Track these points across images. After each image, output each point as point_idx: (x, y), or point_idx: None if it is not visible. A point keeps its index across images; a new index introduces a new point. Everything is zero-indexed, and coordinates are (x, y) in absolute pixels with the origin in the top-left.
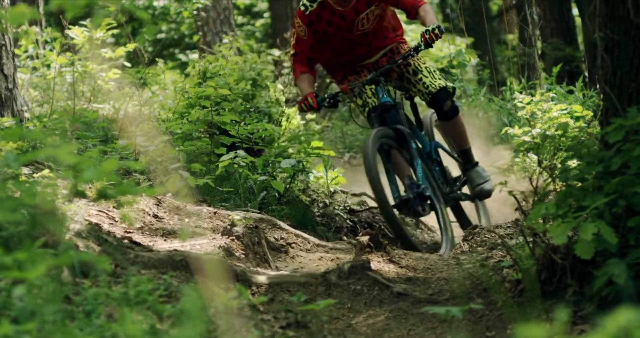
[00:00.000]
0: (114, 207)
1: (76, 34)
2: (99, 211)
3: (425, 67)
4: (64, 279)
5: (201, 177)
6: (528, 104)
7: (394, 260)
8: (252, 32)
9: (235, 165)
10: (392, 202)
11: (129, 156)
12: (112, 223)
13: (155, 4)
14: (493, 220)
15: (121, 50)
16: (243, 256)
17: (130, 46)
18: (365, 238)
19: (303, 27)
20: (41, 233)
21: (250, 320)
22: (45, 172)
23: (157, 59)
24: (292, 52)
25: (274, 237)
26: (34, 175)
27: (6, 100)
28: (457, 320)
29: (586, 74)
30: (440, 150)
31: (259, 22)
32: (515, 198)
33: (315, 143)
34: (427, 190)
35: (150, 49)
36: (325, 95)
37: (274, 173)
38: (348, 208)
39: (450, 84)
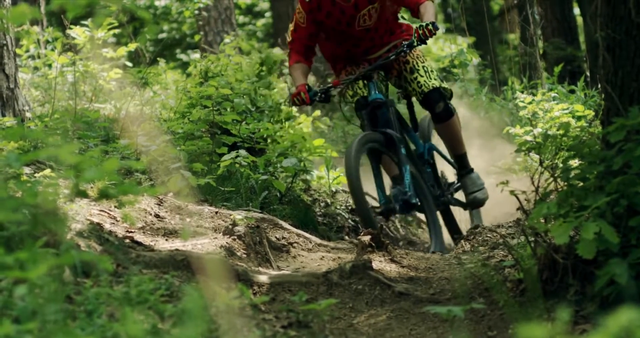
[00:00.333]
0: (115, 206)
1: (77, 33)
2: (101, 211)
3: (423, 66)
4: (66, 279)
5: (203, 177)
6: (529, 103)
7: (396, 260)
8: (253, 32)
9: (237, 165)
10: (378, 204)
11: (131, 156)
12: (113, 223)
13: (156, 3)
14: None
15: (122, 50)
16: (244, 256)
17: (132, 46)
18: (366, 238)
19: (303, 14)
20: (43, 233)
21: (251, 320)
22: (47, 171)
23: (158, 59)
24: (289, 39)
25: (276, 237)
26: (36, 174)
27: (8, 99)
28: (459, 319)
29: (588, 73)
30: (437, 154)
31: (260, 22)
32: (517, 197)
33: (317, 142)
34: (413, 198)
35: (151, 48)
36: (317, 89)
37: (276, 172)
38: (350, 208)
39: (446, 86)
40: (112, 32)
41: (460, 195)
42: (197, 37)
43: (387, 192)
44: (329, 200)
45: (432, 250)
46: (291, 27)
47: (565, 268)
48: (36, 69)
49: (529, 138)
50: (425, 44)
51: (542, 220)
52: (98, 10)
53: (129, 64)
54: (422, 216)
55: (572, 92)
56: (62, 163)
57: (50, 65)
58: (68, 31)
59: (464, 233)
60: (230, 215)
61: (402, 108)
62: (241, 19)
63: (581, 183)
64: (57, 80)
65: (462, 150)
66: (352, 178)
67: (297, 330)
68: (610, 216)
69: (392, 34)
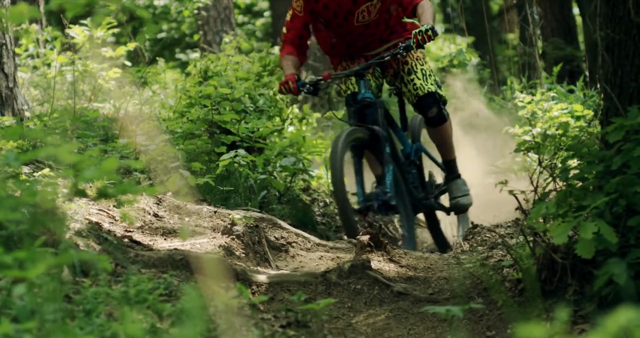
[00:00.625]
0: (114, 206)
1: (77, 33)
2: (99, 210)
3: (422, 69)
4: (64, 278)
5: (201, 176)
6: (529, 103)
7: (394, 260)
8: (252, 31)
9: (236, 164)
10: (357, 201)
11: (130, 155)
12: (112, 222)
13: (155, 3)
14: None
15: (122, 49)
16: (243, 255)
17: (131, 45)
18: (365, 238)
19: (300, 2)
20: (41, 232)
21: (250, 319)
22: (46, 171)
23: (157, 58)
24: (284, 30)
25: (274, 236)
26: (35, 174)
27: (7, 99)
28: (458, 319)
29: (587, 73)
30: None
31: (260, 21)
32: (516, 197)
33: (317, 141)
34: (393, 199)
35: (150, 47)
36: (307, 81)
37: (275, 172)
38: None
39: (442, 93)
40: (111, 31)
41: (446, 200)
42: (196, 37)
43: (368, 190)
44: (327, 200)
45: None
46: (288, 16)
47: (564, 268)
48: (35, 68)
49: (527, 138)
50: (423, 48)
51: (541, 220)
52: (97, 9)
53: (128, 64)
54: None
55: (571, 91)
56: (61, 162)
57: (49, 65)
58: (67, 30)
59: (452, 240)
60: (229, 214)
61: (395, 105)
62: (240, 18)
63: (580, 183)
64: (56, 79)
65: (452, 156)
66: (336, 180)
67: (295, 329)
68: (609, 216)
69: (393, 32)
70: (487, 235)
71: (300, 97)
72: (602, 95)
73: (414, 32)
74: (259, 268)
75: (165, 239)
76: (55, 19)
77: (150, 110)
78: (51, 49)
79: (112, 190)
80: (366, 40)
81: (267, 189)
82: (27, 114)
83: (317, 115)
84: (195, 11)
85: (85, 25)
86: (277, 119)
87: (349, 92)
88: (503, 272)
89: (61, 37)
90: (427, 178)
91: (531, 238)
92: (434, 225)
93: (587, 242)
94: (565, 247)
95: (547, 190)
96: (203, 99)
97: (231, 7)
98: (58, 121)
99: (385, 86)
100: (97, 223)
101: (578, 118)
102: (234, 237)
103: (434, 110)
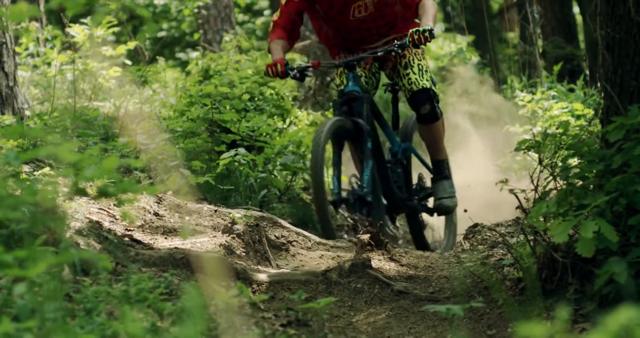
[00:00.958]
0: (114, 205)
1: (77, 31)
2: (100, 209)
3: (419, 64)
4: (65, 277)
5: (202, 175)
6: (529, 102)
7: (395, 259)
8: (252, 30)
9: (236, 163)
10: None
11: (130, 154)
12: (112, 221)
13: (156, 1)
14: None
15: (122, 48)
16: (244, 254)
17: (131, 44)
18: (366, 237)
19: None
20: (42, 231)
21: (250, 318)
22: (46, 170)
23: (157, 57)
24: (276, 14)
25: (275, 235)
26: (35, 173)
27: (7, 98)
28: (458, 318)
29: (587, 72)
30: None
31: (260, 20)
32: (516, 196)
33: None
34: (369, 195)
35: (150, 46)
36: (295, 66)
37: (275, 170)
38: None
39: (436, 90)
40: (111, 30)
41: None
42: (196, 36)
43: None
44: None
45: None
46: (282, 0)
47: (564, 267)
48: (35, 67)
49: (528, 136)
50: (418, 47)
51: (542, 219)
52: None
53: (128, 62)
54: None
55: (572, 90)
56: (61, 161)
57: (49, 64)
58: (67, 29)
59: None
60: (230, 213)
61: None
62: (240, 17)
63: (580, 182)
64: (56, 78)
65: (442, 156)
66: (316, 168)
67: (296, 328)
68: (609, 215)
69: (393, 27)
70: (488, 234)
71: (301, 96)
72: (602, 94)
73: (411, 30)
74: (259, 267)
75: (165, 238)
76: (56, 17)
77: (150, 109)
78: (51, 48)
79: (112, 189)
80: (362, 34)
81: (267, 188)
82: (27, 112)
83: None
84: (196, 10)
85: (86, 24)
86: (279, 118)
87: (342, 87)
88: (503, 271)
89: (61, 35)
90: (416, 181)
91: (532, 237)
92: (416, 227)
93: (588, 241)
94: (566, 246)
95: (547, 189)
96: (203, 98)
97: (231, 5)
98: (58, 120)
99: (381, 82)
100: (97, 222)
101: (578, 117)
102: (235, 235)
103: (427, 106)
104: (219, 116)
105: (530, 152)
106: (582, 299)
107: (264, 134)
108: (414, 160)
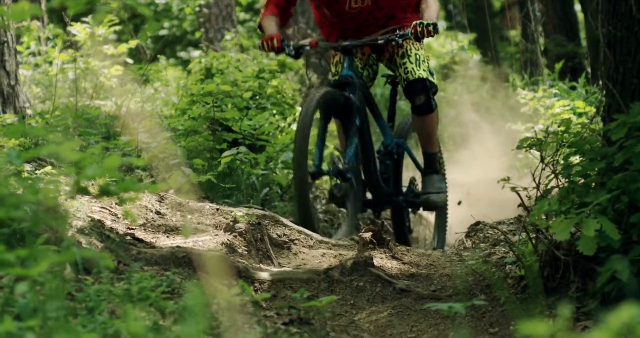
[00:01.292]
0: (116, 203)
1: (78, 30)
2: (102, 208)
3: (416, 54)
4: (67, 276)
5: (203, 174)
6: (531, 100)
7: (397, 257)
8: (253, 29)
9: (238, 162)
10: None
11: (132, 153)
12: (114, 220)
13: (157, 0)
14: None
15: (123, 47)
16: (245, 252)
17: (132, 43)
18: (367, 235)
19: None
20: (44, 230)
21: (253, 317)
22: (48, 168)
23: (159, 56)
24: None
25: (277, 234)
26: (37, 172)
27: (8, 96)
28: (460, 316)
29: (589, 70)
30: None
31: None
32: (518, 194)
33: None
34: (348, 173)
35: (151, 45)
36: (292, 43)
37: (276, 168)
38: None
39: (433, 80)
40: (112, 29)
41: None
42: (197, 34)
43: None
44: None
45: (334, 237)
46: None
47: (566, 265)
48: (37, 65)
49: (529, 134)
50: (419, 41)
51: (544, 217)
52: (99, 7)
53: (130, 61)
54: (425, 215)
55: (573, 88)
56: (63, 160)
57: (51, 62)
58: (69, 28)
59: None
60: (231, 212)
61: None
62: (242, 15)
63: (582, 180)
64: (57, 77)
65: (434, 150)
66: (301, 137)
67: (298, 327)
68: (611, 213)
69: (392, 18)
70: (490, 232)
71: (301, 97)
72: (604, 92)
73: (414, 22)
74: (261, 265)
75: (167, 237)
76: (57, 16)
77: (152, 107)
78: (53, 47)
79: (114, 187)
80: (359, 25)
81: (269, 186)
82: (28, 111)
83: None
84: (197, 8)
85: (87, 22)
86: (280, 116)
87: (337, 77)
88: (505, 269)
89: (63, 34)
90: (408, 183)
91: (534, 235)
92: (398, 221)
93: (589, 239)
94: (568, 244)
95: (549, 187)
96: (205, 96)
97: (233, 4)
98: (60, 119)
99: (379, 75)
100: (99, 221)
101: (580, 115)
102: (236, 234)
103: (421, 97)
104: (221, 114)
105: (532, 150)
106: (584, 297)
107: (266, 133)
108: (410, 164)
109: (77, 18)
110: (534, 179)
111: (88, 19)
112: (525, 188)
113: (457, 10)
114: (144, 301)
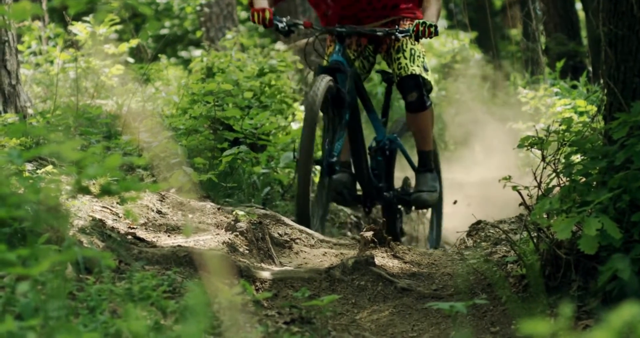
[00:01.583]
0: (117, 203)
1: (79, 30)
2: (103, 207)
3: (411, 49)
4: (68, 275)
5: (204, 173)
6: (532, 99)
7: (398, 256)
8: (254, 28)
9: (239, 161)
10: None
11: (133, 152)
12: (115, 219)
13: None
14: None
15: (124, 46)
16: (247, 252)
17: (133, 42)
18: (369, 234)
19: None
20: (45, 229)
21: (254, 316)
22: (49, 168)
23: (160, 55)
24: None
25: (278, 233)
26: (38, 171)
27: (9, 96)
28: (461, 315)
29: (590, 68)
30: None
31: None
32: (520, 193)
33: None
34: (336, 165)
35: (152, 44)
36: (285, 19)
37: (277, 167)
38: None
39: (427, 77)
40: (113, 28)
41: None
42: (198, 34)
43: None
44: None
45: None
46: None
47: (567, 264)
48: (38, 65)
49: (531, 133)
50: (418, 41)
51: (545, 216)
52: (100, 6)
53: (131, 60)
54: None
55: (575, 87)
56: (64, 159)
57: (52, 62)
58: (70, 27)
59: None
60: (233, 211)
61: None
62: (243, 14)
63: (584, 179)
64: (58, 76)
65: (428, 148)
66: (311, 118)
67: (299, 326)
68: (612, 211)
69: (394, 7)
70: (491, 231)
71: (301, 96)
72: (605, 91)
73: (417, 21)
74: (262, 264)
75: (168, 236)
76: (58, 16)
77: (153, 107)
78: (54, 46)
79: (115, 187)
80: (357, 13)
81: (270, 185)
82: (29, 111)
83: None
84: (198, 8)
85: (88, 22)
86: (280, 115)
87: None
88: (507, 268)
89: (64, 34)
90: (401, 184)
91: (535, 234)
92: (389, 220)
93: (591, 238)
94: (569, 243)
95: (550, 185)
96: (206, 96)
97: (234, 3)
98: (61, 118)
99: (374, 71)
100: (100, 220)
101: (581, 113)
102: (238, 233)
103: (414, 94)
104: (222, 113)
105: (533, 149)
106: (585, 296)
107: (267, 132)
108: (406, 167)
109: (78, 17)
110: (535, 178)
111: (89, 18)
112: (526, 187)
113: (459, 9)
114: (145, 300)
